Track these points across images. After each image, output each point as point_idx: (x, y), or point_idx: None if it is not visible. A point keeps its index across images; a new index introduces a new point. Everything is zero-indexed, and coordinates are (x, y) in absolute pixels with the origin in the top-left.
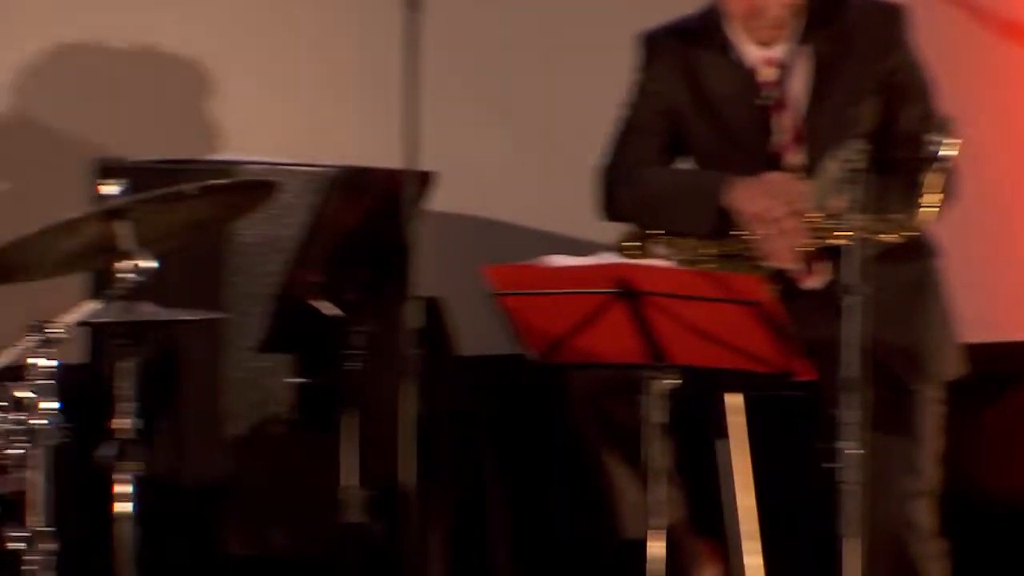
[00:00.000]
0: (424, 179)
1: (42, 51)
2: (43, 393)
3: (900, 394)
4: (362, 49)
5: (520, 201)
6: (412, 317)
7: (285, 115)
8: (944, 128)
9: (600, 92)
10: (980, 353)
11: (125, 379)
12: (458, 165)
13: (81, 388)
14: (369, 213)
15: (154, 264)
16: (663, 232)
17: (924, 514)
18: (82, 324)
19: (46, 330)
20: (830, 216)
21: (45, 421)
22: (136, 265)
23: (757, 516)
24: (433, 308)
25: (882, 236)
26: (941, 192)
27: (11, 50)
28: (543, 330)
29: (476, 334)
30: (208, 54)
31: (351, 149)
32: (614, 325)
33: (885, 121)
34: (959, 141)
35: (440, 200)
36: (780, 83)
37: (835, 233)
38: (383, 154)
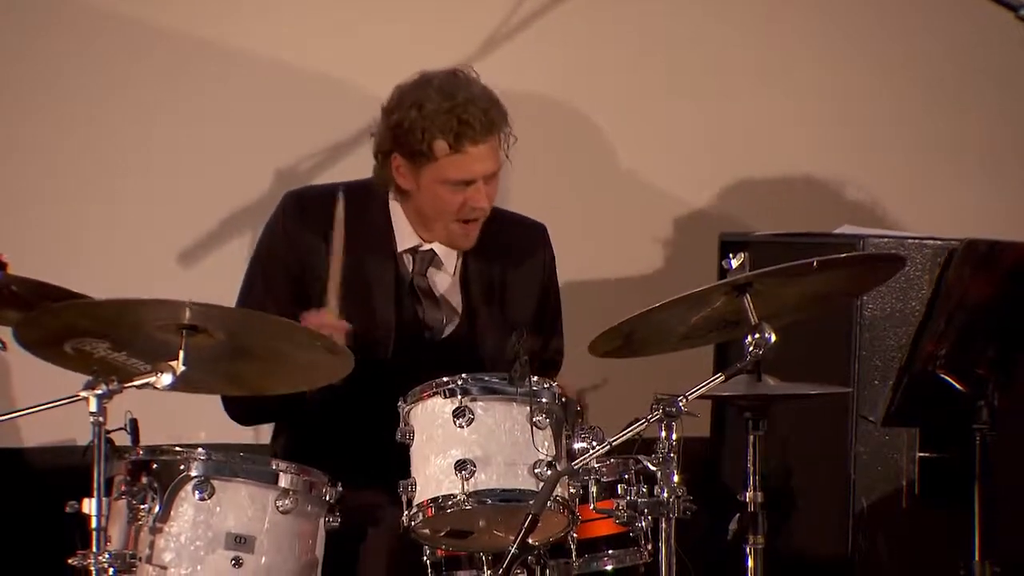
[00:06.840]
0: None
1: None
2: (667, 466)
3: None
4: (989, 120)
5: None
6: None
7: (907, 188)
8: None
9: None
10: None
11: (750, 452)
12: None
13: (703, 461)
14: (999, 287)
15: (775, 337)
16: None
17: None
18: (704, 397)
19: (670, 404)
20: None
21: (671, 493)
22: (759, 338)
23: None
24: None
25: None
26: None
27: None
28: None
29: None
30: (825, 129)
31: (978, 221)
32: None
33: None
34: None
35: None
36: None
37: None
38: (1014, 227)
